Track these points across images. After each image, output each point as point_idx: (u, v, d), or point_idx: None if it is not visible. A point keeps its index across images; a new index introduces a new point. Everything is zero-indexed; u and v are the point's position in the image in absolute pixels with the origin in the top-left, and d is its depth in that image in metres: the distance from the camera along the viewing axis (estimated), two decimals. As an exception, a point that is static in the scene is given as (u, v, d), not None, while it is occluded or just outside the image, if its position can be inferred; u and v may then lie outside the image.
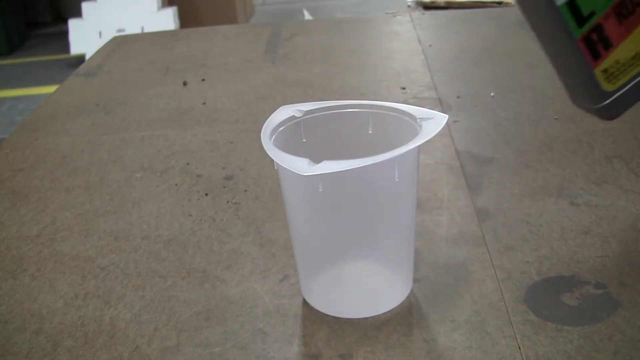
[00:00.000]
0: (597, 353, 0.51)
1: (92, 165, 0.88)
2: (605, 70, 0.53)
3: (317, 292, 0.59)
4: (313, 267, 0.58)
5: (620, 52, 0.52)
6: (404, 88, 1.07)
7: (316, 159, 0.50)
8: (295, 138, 0.59)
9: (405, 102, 0.97)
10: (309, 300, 0.59)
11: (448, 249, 0.65)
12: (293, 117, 0.59)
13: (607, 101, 0.54)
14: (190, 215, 0.74)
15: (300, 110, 0.59)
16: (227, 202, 0.76)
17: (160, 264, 0.66)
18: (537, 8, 0.53)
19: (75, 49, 3.77)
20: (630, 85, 0.54)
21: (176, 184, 0.81)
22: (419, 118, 0.55)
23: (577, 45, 0.53)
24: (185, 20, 3.90)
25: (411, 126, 0.56)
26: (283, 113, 0.59)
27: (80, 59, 3.56)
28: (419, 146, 0.52)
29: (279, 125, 0.57)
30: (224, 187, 0.80)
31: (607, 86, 0.54)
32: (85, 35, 3.70)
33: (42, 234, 0.73)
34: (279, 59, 1.27)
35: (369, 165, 0.49)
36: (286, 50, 1.32)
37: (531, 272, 0.61)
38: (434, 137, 0.52)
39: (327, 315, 0.57)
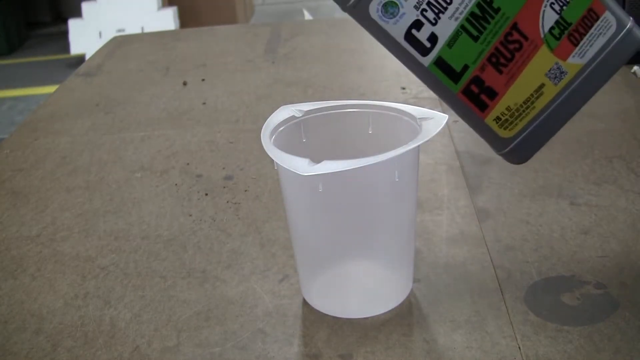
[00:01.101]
0: (597, 353, 0.51)
1: (92, 165, 0.88)
2: (497, 119, 0.52)
3: (317, 292, 0.59)
4: (313, 267, 0.58)
5: (509, 99, 0.51)
6: (404, 88, 1.07)
7: (316, 159, 0.50)
8: (295, 138, 0.59)
9: (405, 102, 0.97)
10: (309, 300, 0.59)
11: (448, 249, 0.65)
12: (293, 117, 0.59)
13: (509, 147, 0.53)
14: (190, 215, 0.74)
15: (300, 110, 0.59)
16: (227, 202, 0.76)
17: (160, 264, 0.66)
18: (414, 68, 0.52)
19: (75, 49, 3.77)
20: (528, 130, 0.53)
21: (176, 184, 0.81)
22: (419, 118, 0.55)
23: (459, 100, 0.52)
24: (185, 20, 3.90)
25: (411, 126, 0.56)
26: (283, 113, 0.59)
27: (80, 59, 3.56)
28: (419, 146, 0.52)
29: (279, 125, 0.57)
30: (224, 187, 0.80)
31: (504, 133, 0.53)
32: (85, 35, 3.69)
33: (42, 234, 0.73)
34: (279, 59, 1.27)
35: (369, 165, 0.49)
36: (286, 50, 1.32)
37: (531, 272, 0.61)
38: (434, 137, 0.52)
39: (327, 315, 0.57)
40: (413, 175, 0.55)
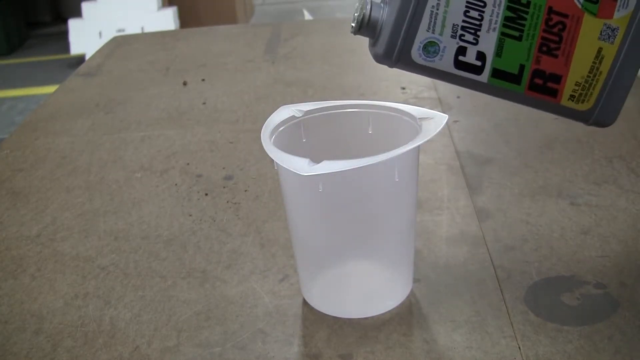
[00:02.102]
0: (597, 353, 0.51)
1: (92, 165, 0.88)
2: (571, 97, 0.53)
3: (317, 292, 0.59)
4: (313, 267, 0.58)
5: (575, 75, 0.52)
6: (404, 88, 1.07)
7: (316, 159, 0.50)
8: (295, 138, 0.59)
9: (405, 102, 0.97)
10: (309, 300, 0.59)
11: (448, 249, 0.65)
12: (293, 117, 0.59)
13: (594, 117, 0.54)
14: (190, 215, 0.74)
15: (300, 110, 0.59)
16: (227, 202, 0.76)
17: (160, 264, 0.66)
18: (475, 87, 0.52)
19: (75, 49, 3.77)
20: (605, 94, 0.53)
21: (176, 184, 0.81)
22: (419, 118, 0.55)
23: (529, 97, 0.52)
24: (185, 20, 3.90)
25: (411, 126, 0.56)
26: (283, 113, 0.59)
27: (80, 59, 3.56)
28: (419, 146, 0.52)
29: (279, 125, 0.57)
30: (224, 187, 0.80)
31: (584, 106, 0.53)
32: (85, 35, 3.69)
33: (42, 234, 0.73)
34: (279, 59, 1.27)
35: (369, 165, 0.49)
36: (286, 50, 1.32)
37: (531, 272, 0.61)
38: (434, 137, 0.53)
39: (327, 315, 0.57)
40: (413, 175, 0.55)
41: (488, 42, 0.50)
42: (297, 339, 0.55)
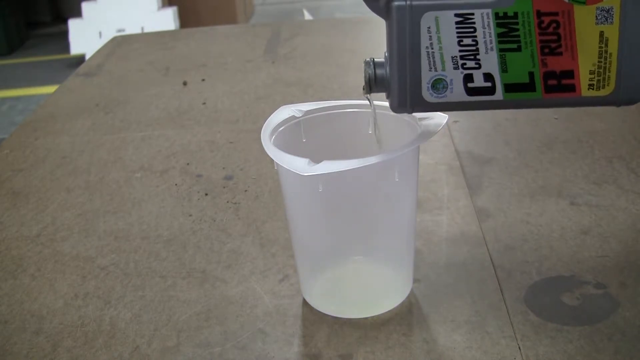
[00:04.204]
0: (597, 353, 0.51)
1: (92, 165, 0.88)
2: (590, 86, 0.53)
3: (317, 292, 0.59)
4: (313, 267, 0.58)
5: (586, 65, 0.52)
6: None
7: (316, 159, 0.50)
8: (295, 138, 0.59)
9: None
10: (309, 300, 0.59)
11: (448, 249, 0.65)
12: (293, 117, 0.59)
13: (619, 98, 0.54)
14: (190, 215, 0.74)
15: (300, 110, 0.59)
16: (227, 202, 0.77)
17: (160, 264, 0.66)
18: (493, 107, 0.53)
19: (75, 49, 3.77)
20: (623, 73, 0.52)
21: (176, 184, 0.81)
22: (419, 118, 0.55)
23: (548, 99, 0.53)
24: (185, 20, 3.90)
25: (411, 126, 0.56)
26: (283, 113, 0.59)
27: (80, 59, 3.55)
28: (419, 146, 0.52)
29: (279, 125, 0.57)
30: (224, 187, 0.80)
31: (606, 91, 0.53)
32: (85, 35, 3.69)
33: (42, 234, 0.73)
34: (279, 59, 1.27)
35: (369, 165, 0.49)
36: (286, 50, 1.32)
37: (531, 272, 0.61)
38: (434, 137, 0.53)
39: (327, 315, 0.57)
40: (413, 175, 0.55)
41: (490, 62, 0.51)
42: (297, 339, 0.55)
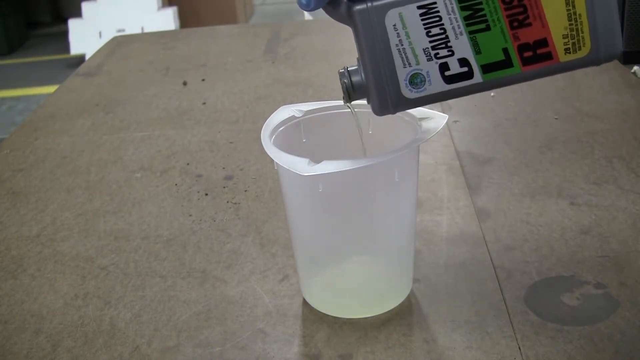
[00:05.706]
0: (597, 353, 0.51)
1: (92, 165, 0.88)
2: (567, 50, 0.53)
3: (317, 292, 0.59)
4: (313, 267, 0.58)
5: (557, 30, 0.52)
6: (404, 88, 1.07)
7: (316, 159, 0.50)
8: (295, 138, 0.59)
9: (405, 102, 0.96)
10: (309, 300, 0.59)
11: (448, 249, 0.65)
12: (293, 117, 0.59)
13: (601, 56, 0.53)
14: (190, 215, 0.74)
15: (300, 110, 0.59)
16: (227, 202, 0.76)
17: (160, 264, 0.66)
18: (476, 90, 0.53)
19: (75, 49, 3.77)
20: (598, 30, 0.52)
21: (176, 184, 0.81)
22: (418, 118, 0.55)
23: (528, 72, 0.53)
24: (185, 20, 3.90)
25: (411, 126, 0.56)
26: (283, 113, 0.59)
27: (80, 59, 3.55)
28: (419, 146, 0.52)
29: (279, 125, 0.57)
30: (224, 187, 0.80)
31: (584, 51, 0.53)
32: (85, 35, 3.69)
33: (42, 234, 0.73)
34: (279, 59, 1.27)
35: (369, 165, 0.49)
36: (286, 50, 1.32)
37: (531, 272, 0.61)
38: (434, 137, 0.53)
39: (327, 315, 0.57)
40: (413, 175, 0.55)
41: (463, 46, 0.51)
42: (297, 339, 0.55)
